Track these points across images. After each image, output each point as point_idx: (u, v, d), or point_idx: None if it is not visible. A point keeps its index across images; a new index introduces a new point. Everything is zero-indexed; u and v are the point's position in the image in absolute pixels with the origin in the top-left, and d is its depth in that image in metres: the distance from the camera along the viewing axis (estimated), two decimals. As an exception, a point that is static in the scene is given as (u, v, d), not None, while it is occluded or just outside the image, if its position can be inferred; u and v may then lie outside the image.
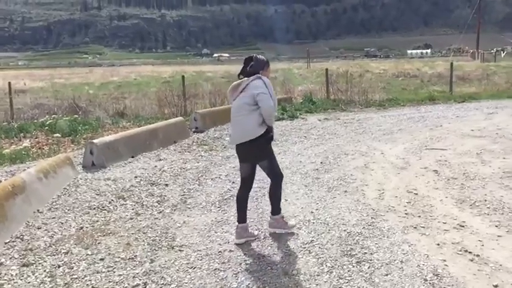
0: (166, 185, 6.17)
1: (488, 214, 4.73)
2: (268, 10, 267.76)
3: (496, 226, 4.38)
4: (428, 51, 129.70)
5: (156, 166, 7.13)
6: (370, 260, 3.74)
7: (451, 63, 18.13)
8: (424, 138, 8.80)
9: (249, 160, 4.21)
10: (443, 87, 17.99)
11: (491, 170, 6.39)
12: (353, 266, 3.64)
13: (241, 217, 4.29)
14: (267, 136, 4.10)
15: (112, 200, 5.53)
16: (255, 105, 3.97)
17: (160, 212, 5.13)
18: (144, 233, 4.53)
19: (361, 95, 15.09)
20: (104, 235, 4.49)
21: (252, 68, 4.09)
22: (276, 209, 4.39)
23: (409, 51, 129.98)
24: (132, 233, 4.52)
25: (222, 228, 4.60)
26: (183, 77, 14.15)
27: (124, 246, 4.20)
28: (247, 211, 4.42)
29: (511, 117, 11.07)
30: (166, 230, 4.60)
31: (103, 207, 5.30)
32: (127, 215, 5.04)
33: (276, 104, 4.20)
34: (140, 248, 4.17)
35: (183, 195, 5.73)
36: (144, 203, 5.43)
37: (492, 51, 60.88)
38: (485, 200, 5.14)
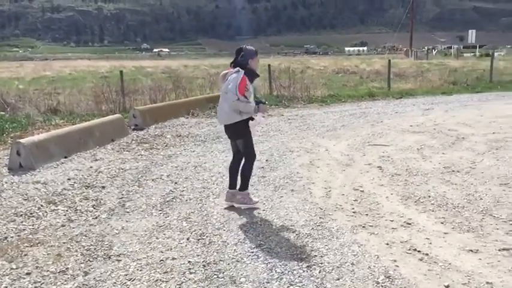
0: (103, 187, 5.76)
1: (433, 211, 4.75)
2: (209, 5, 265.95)
3: (442, 223, 4.40)
4: (365, 48, 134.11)
5: (91, 167, 6.66)
6: (321, 263, 3.60)
7: (389, 61, 18.65)
8: (366, 134, 8.88)
9: (231, 138, 4.89)
10: (382, 84, 18.47)
11: (432, 166, 6.50)
12: (303, 271, 3.48)
13: (232, 183, 4.98)
14: (242, 121, 4.63)
15: (41, 205, 5.06)
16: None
17: (96, 218, 4.74)
18: (77, 241, 4.14)
19: (303, 91, 15.13)
20: (32, 245, 4.06)
21: (243, 58, 4.62)
22: (244, 186, 4.89)
23: (346, 49, 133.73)
24: (64, 242, 4.12)
25: (164, 234, 4.29)
26: (121, 72, 13.54)
27: (54, 258, 3.80)
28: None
29: (446, 112, 11.46)
30: (102, 237, 4.23)
31: (31, 213, 4.83)
32: (58, 222, 4.61)
33: (252, 91, 4.65)
34: (72, 259, 3.79)
35: (121, 198, 5.36)
36: (77, 208, 5.01)
37: (424, 49, 63.73)
38: (429, 196, 5.18)
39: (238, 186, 4.97)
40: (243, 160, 4.86)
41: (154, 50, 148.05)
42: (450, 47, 73.96)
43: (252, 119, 4.72)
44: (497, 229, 4.21)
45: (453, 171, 6.20)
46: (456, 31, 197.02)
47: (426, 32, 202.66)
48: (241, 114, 4.59)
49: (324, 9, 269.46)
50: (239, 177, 4.93)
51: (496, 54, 31.62)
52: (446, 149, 7.49)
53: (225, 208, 4.92)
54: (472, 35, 51.36)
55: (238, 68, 4.58)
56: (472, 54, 53.56)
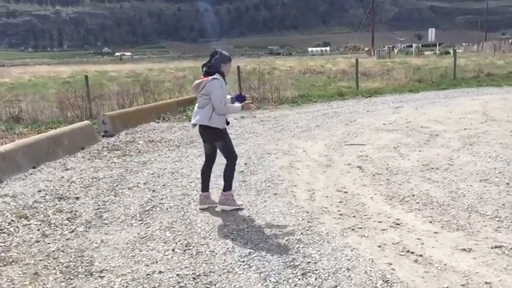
0: (77, 198, 5.48)
1: (419, 210, 4.72)
2: (171, 8, 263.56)
3: (430, 222, 4.36)
4: (328, 48, 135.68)
5: (63, 177, 6.35)
6: (316, 270, 3.49)
7: (356, 60, 18.86)
8: (341, 134, 8.86)
9: (206, 141, 4.94)
10: (350, 83, 18.62)
11: (411, 164, 6.51)
12: (299, 279, 3.35)
13: (204, 187, 5.04)
14: (218, 126, 4.73)
15: (12, 220, 4.75)
16: (208, 104, 4.69)
17: (73, 231, 4.47)
18: (54, 258, 3.88)
19: (273, 92, 15.06)
20: (5, 264, 3.78)
21: (216, 61, 4.71)
22: (227, 186, 4.92)
23: (309, 49, 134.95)
24: (40, 260, 3.85)
25: (148, 245, 4.08)
26: (86, 76, 13.07)
27: (31, 277, 3.54)
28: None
29: (416, 110, 11.61)
30: (81, 252, 3.99)
31: (1, 229, 4.51)
32: (32, 238, 4.33)
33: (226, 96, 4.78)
34: (51, 277, 3.54)
35: (98, 209, 5.10)
36: (52, 222, 4.72)
37: (385, 48, 65.01)
38: (413, 195, 5.16)
39: (220, 188, 5.04)
40: (225, 161, 4.90)
41: (116, 53, 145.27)
42: (410, 46, 75.68)
43: (228, 123, 4.89)
44: (486, 226, 4.21)
45: (432, 168, 6.23)
46: (414, 30, 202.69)
47: (386, 31, 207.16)
48: (214, 120, 4.69)
49: (286, 11, 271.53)
50: (221, 179, 5.00)
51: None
52: (422, 147, 7.54)
53: (200, 209, 4.93)
54: (431, 34, 52.75)
55: (214, 76, 4.66)
56: (432, 52, 55.00)
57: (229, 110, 4.81)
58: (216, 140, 4.83)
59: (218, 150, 5.00)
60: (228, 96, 4.88)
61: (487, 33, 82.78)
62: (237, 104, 4.85)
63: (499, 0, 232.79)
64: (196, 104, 4.88)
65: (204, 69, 4.79)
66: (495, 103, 12.13)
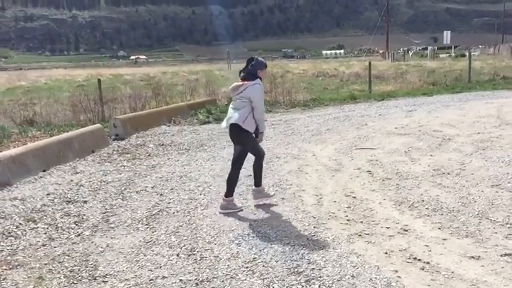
0: (85, 201, 5.50)
1: (428, 216, 4.64)
2: (185, 11, 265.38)
3: (439, 228, 4.28)
4: (342, 51, 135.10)
5: (72, 180, 6.39)
6: (320, 276, 3.44)
7: (369, 63, 18.71)
8: (352, 138, 8.78)
9: (236, 143, 5.04)
10: (363, 86, 18.49)
11: (421, 168, 6.42)
12: (302, 286, 3.31)
13: (257, 181, 5.15)
14: (251, 132, 4.89)
15: (20, 223, 4.79)
16: (248, 104, 4.82)
17: (79, 235, 4.49)
18: (59, 262, 3.90)
19: (285, 96, 15.02)
20: (11, 268, 3.80)
21: (252, 67, 4.88)
22: (258, 182, 5.13)
23: (323, 52, 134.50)
24: (45, 264, 3.87)
25: (152, 250, 4.08)
26: (99, 80, 13.19)
27: (35, 281, 3.56)
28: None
29: (429, 113, 11.47)
30: (86, 256, 4.00)
31: (9, 233, 4.55)
32: (39, 241, 4.35)
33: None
34: (55, 282, 3.55)
35: (105, 212, 5.11)
36: (59, 225, 4.75)
37: (400, 51, 64.57)
38: (423, 201, 5.07)
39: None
40: (254, 160, 5.08)
41: (132, 57, 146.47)
42: (425, 48, 75.06)
43: (257, 135, 5.02)
44: (496, 233, 4.11)
45: (443, 173, 6.13)
46: (430, 32, 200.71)
47: (401, 34, 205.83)
48: (249, 123, 4.83)
49: (300, 14, 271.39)
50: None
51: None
52: (433, 151, 7.43)
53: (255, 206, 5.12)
54: (447, 36, 52.24)
55: (256, 81, 4.85)
56: (447, 55, 54.45)
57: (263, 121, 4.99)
58: (245, 143, 4.97)
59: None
60: None
61: (504, 35, 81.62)
62: None
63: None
64: (231, 105, 5.02)
65: (241, 75, 4.94)
66: (510, 107, 11.92)
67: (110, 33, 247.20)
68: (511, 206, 4.77)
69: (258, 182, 5.15)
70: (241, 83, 4.89)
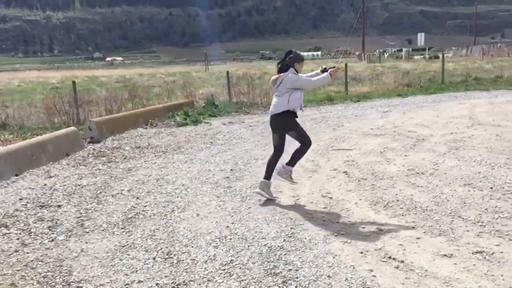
0: (59, 206, 5.41)
1: (403, 215, 4.71)
2: (162, 13, 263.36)
3: (413, 227, 4.35)
4: (319, 53, 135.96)
5: (45, 184, 6.27)
6: (296, 277, 3.46)
7: (346, 65, 18.88)
8: (329, 139, 8.86)
9: (279, 131, 5.29)
10: (339, 87, 18.66)
11: (396, 168, 6.52)
12: (279, 287, 3.32)
13: (267, 175, 5.35)
14: (290, 113, 5.18)
15: (-9, 229, 4.68)
16: (289, 91, 5.12)
17: (53, 240, 4.41)
18: (32, 268, 3.82)
19: (263, 97, 15.05)
20: (-18, 275, 3.71)
21: (290, 60, 5.21)
22: (292, 162, 5.39)
23: (301, 53, 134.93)
24: (18, 270, 3.79)
25: (128, 254, 4.03)
26: (73, 82, 12.99)
27: (8, 288, 3.48)
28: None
29: (404, 114, 11.66)
30: (60, 262, 3.93)
31: (-20, 239, 4.44)
32: (11, 247, 4.25)
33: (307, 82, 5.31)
34: (28, 288, 3.48)
35: (80, 217, 5.04)
36: (32, 231, 4.65)
37: (375, 52, 65.33)
38: (398, 200, 5.15)
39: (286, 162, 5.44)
40: (300, 145, 5.35)
41: (108, 58, 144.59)
42: (400, 50, 76.18)
43: (297, 116, 5.29)
44: (468, 231, 4.20)
45: (417, 173, 6.23)
46: (404, 34, 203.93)
47: (377, 36, 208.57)
48: (288, 106, 5.11)
49: (278, 15, 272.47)
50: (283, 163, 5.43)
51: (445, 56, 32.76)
52: (408, 151, 7.56)
53: (256, 192, 5.37)
54: (421, 38, 53.13)
55: (289, 71, 5.17)
56: (421, 56, 55.35)
57: (319, 82, 5.38)
58: (288, 129, 5.25)
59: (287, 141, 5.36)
60: (318, 71, 5.50)
61: (476, 37, 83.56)
62: (325, 73, 5.28)
63: (488, 4, 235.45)
64: (274, 96, 5.33)
65: (279, 66, 5.28)
66: (482, 107, 12.21)
67: (85, 34, 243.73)
68: (483, 204, 4.88)
69: (290, 161, 5.41)
70: (277, 75, 5.22)
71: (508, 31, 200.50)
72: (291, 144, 5.46)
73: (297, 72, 5.23)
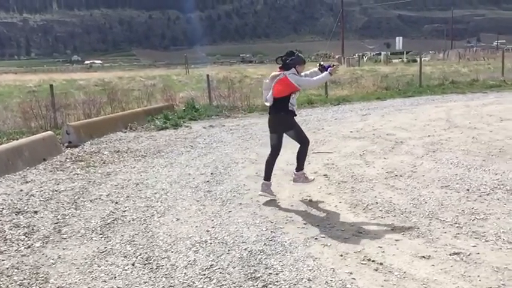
0: (36, 212, 5.31)
1: (382, 217, 4.76)
2: (142, 16, 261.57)
3: (392, 230, 4.40)
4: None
5: (21, 190, 6.15)
6: (277, 281, 3.46)
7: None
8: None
9: (277, 131, 5.40)
10: (319, 91, 18.76)
11: (375, 171, 6.58)
12: (260, 291, 3.32)
13: (267, 176, 5.45)
14: (287, 111, 5.29)
15: (-35, 237, 4.56)
16: (287, 92, 5.23)
17: (29, 247, 4.32)
18: (8, 276, 3.74)
19: (243, 101, 15.04)
20: (-46, 284, 3.61)
21: (292, 61, 5.22)
22: (300, 166, 5.53)
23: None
24: (-7, 278, 3.70)
25: (107, 260, 3.98)
26: (51, 85, 12.78)
27: (-19, 298, 3.40)
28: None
29: (383, 117, 11.79)
30: (36, 269, 3.85)
31: (-47, 247, 4.33)
32: (-15, 255, 4.16)
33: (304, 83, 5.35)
34: (3, 297, 3.40)
35: (57, 223, 4.95)
36: (7, 237, 4.55)
37: (355, 56, 66.02)
38: (377, 203, 5.20)
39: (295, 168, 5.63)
40: (299, 146, 5.51)
41: (86, 61, 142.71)
42: (379, 54, 77.05)
43: (295, 114, 5.42)
44: (445, 233, 4.27)
45: (396, 175, 6.31)
46: (383, 38, 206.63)
47: (356, 39, 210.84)
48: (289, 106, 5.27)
49: (258, 19, 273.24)
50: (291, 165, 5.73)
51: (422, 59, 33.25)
52: (387, 154, 7.64)
53: (259, 194, 5.43)
54: (399, 42, 53.94)
55: (290, 71, 5.21)
56: (400, 60, 56.11)
57: (319, 81, 5.52)
58: (288, 129, 5.38)
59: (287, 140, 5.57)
60: (315, 69, 5.54)
61: (452, 41, 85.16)
62: (325, 73, 5.33)
63: (464, 9, 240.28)
64: (270, 95, 5.36)
65: (279, 61, 5.32)
66: (458, 110, 12.43)
67: (63, 37, 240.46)
68: (459, 206, 4.96)
69: (298, 166, 5.56)
70: (279, 72, 5.26)
71: (483, 35, 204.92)
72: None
73: (298, 74, 5.28)
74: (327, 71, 5.36)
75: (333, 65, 5.48)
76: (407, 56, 62.58)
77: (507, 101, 14.14)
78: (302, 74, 5.43)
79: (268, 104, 5.43)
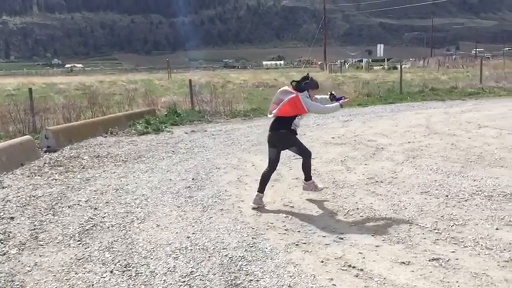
0: (12, 218, 5.19)
1: (362, 223, 4.78)
2: (124, 20, 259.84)
3: (372, 235, 4.42)
4: (282, 62, 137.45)
5: (-3, 196, 6.01)
6: (257, 288, 3.44)
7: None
8: (291, 148, 8.90)
9: (278, 146, 5.48)
10: (301, 97, 18.85)
11: (357, 177, 6.62)
12: (240, 298, 3.30)
13: (261, 188, 5.47)
14: (290, 129, 5.39)
15: None
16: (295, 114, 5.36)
17: (4, 254, 4.22)
18: (-19, 284, 3.64)
19: (225, 106, 15.02)
20: None
21: (306, 85, 5.33)
22: (307, 176, 5.65)
23: (264, 62, 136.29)
24: (-34, 287, 3.60)
25: (84, 268, 3.91)
26: (30, 89, 12.59)
27: (-47, 307, 3.30)
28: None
29: (364, 124, 11.89)
30: (12, 277, 3.76)
31: None
32: (-42, 263, 4.05)
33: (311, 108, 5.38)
34: (-24, 306, 3.31)
35: (34, 229, 4.85)
36: (-18, 245, 4.44)
37: (337, 63, 66.62)
38: (358, 209, 5.22)
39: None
40: (302, 159, 5.62)
41: (67, 65, 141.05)
42: (361, 61, 77.86)
43: (296, 133, 5.51)
44: (425, 238, 4.30)
45: (377, 181, 6.35)
46: (364, 45, 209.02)
47: (338, 46, 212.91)
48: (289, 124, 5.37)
49: (241, 24, 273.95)
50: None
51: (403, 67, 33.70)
52: (368, 160, 7.70)
53: (252, 208, 5.35)
54: (380, 49, 54.62)
55: (303, 94, 5.28)
56: (381, 67, 56.81)
57: (329, 110, 5.61)
58: (289, 145, 5.50)
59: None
60: (326, 96, 5.63)
61: (432, 49, 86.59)
62: (336, 103, 5.47)
63: (443, 18, 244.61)
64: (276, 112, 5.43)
65: (293, 83, 5.41)
66: (438, 117, 12.61)
67: (43, 40, 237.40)
68: (439, 212, 5.02)
69: (306, 177, 5.66)
70: (291, 89, 5.35)
71: (462, 43, 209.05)
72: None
73: (310, 97, 5.35)
74: (338, 101, 5.47)
75: (346, 98, 5.61)
76: (388, 63, 63.44)
77: (485, 108, 14.40)
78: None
79: (270, 116, 5.53)
